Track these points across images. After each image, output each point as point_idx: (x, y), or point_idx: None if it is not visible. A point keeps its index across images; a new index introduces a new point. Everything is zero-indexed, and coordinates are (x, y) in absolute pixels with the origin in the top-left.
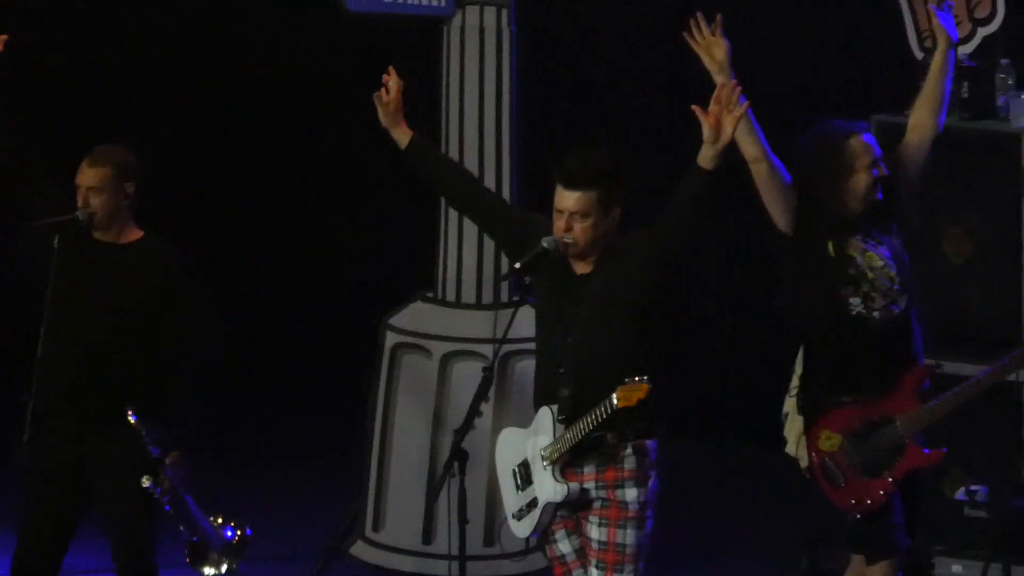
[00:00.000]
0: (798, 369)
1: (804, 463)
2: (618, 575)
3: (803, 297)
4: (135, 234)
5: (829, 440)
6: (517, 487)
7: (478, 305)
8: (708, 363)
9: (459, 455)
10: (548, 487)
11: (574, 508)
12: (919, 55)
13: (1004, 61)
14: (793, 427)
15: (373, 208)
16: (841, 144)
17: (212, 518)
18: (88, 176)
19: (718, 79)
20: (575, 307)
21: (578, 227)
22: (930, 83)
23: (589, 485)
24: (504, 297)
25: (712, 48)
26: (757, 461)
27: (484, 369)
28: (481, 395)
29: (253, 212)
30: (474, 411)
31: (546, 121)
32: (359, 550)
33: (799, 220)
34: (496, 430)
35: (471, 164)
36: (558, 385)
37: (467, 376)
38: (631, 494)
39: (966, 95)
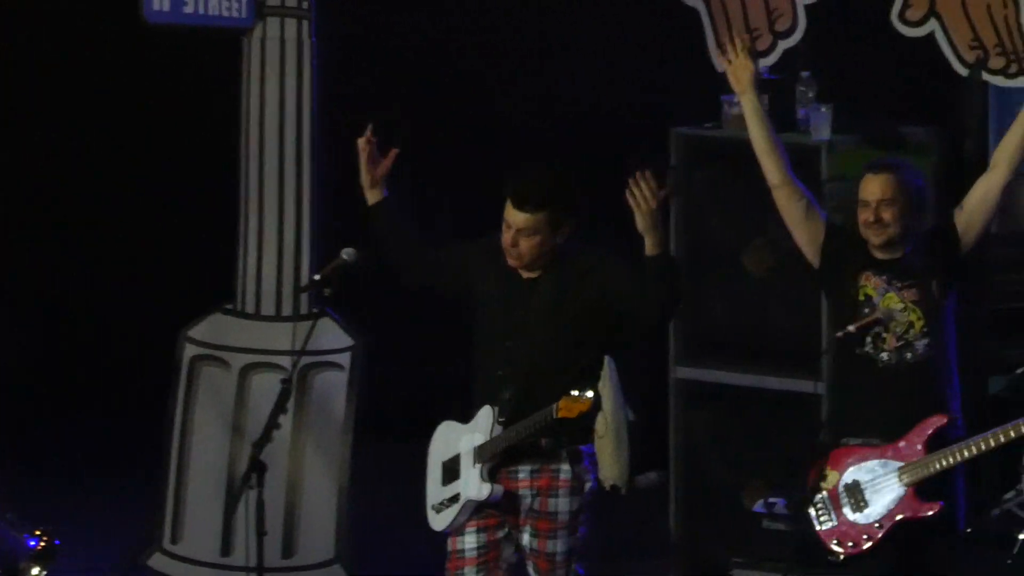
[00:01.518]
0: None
1: (606, 475)
2: None
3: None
4: None
5: (828, 478)
6: (443, 480)
7: (277, 317)
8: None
9: (257, 467)
10: (473, 485)
11: (503, 510)
12: (720, 68)
13: (804, 74)
14: (593, 437)
15: (173, 219)
16: (860, 179)
17: (15, 527)
18: None
19: (742, 99)
20: (520, 310)
21: (524, 244)
22: (1018, 124)
23: (524, 492)
24: (304, 309)
25: (739, 71)
26: None
27: (283, 381)
28: (280, 407)
29: (51, 223)
30: (272, 423)
31: (351, 131)
32: (157, 562)
33: (827, 254)
34: (295, 442)
35: (271, 175)
36: (498, 386)
37: (266, 388)
38: (563, 504)
39: (767, 108)
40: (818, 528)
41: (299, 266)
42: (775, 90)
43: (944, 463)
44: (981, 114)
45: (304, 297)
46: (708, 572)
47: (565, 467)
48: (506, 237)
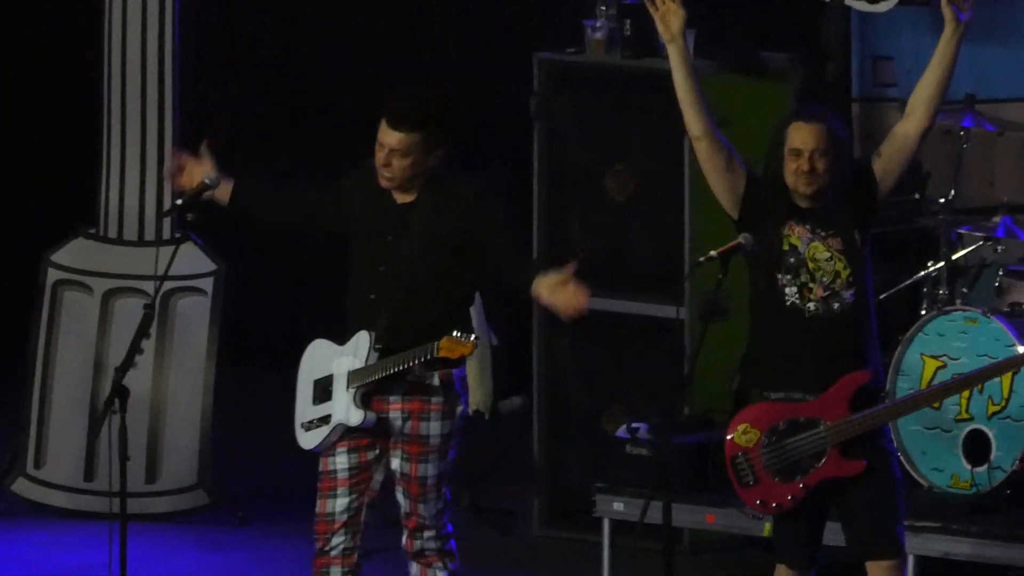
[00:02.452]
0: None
1: (470, 400)
2: (422, 504)
3: (749, 282)
4: None
5: (746, 435)
6: (315, 399)
7: (140, 242)
8: None
9: (120, 392)
10: (345, 410)
11: (374, 432)
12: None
13: None
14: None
15: (34, 144)
16: (782, 128)
17: None
18: None
19: (669, 47)
20: (392, 234)
21: (397, 164)
22: (932, 70)
23: (395, 415)
24: (167, 234)
25: (669, 16)
26: None
27: (145, 306)
28: (142, 332)
29: None
30: (135, 348)
31: (213, 54)
32: (20, 487)
33: (747, 205)
34: (157, 367)
35: (133, 100)
36: (373, 312)
37: (128, 313)
38: (435, 427)
39: (629, 33)
40: (739, 488)
41: (161, 191)
42: (636, 15)
43: (869, 424)
44: (843, 40)
45: (167, 222)
46: (571, 497)
47: (437, 391)
48: (379, 157)
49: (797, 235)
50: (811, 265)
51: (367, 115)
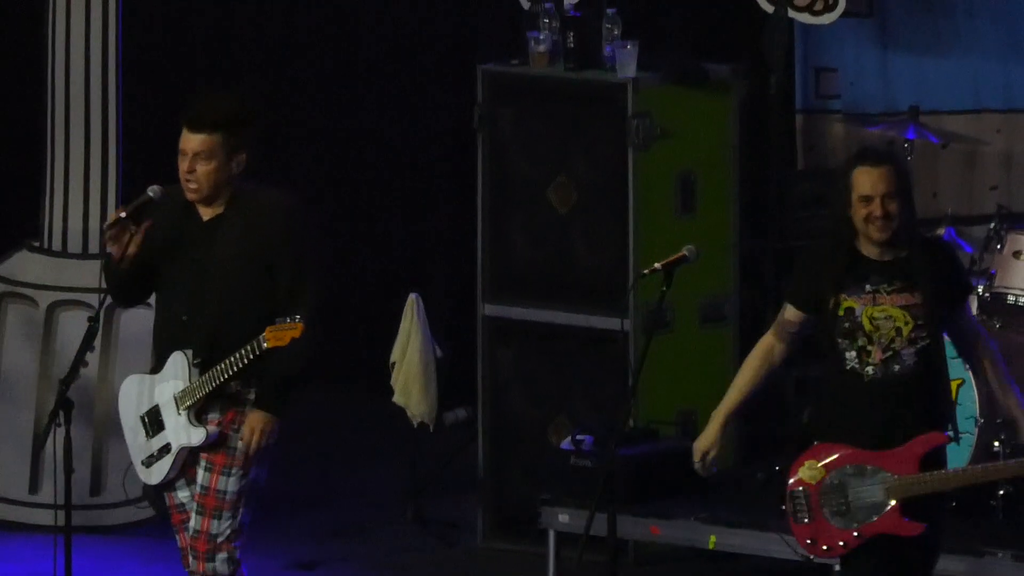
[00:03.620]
0: (406, 317)
1: (414, 412)
2: (216, 521)
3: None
4: None
5: (811, 471)
6: (147, 433)
7: (84, 255)
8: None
9: (64, 404)
10: (184, 432)
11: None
12: (526, 5)
13: (610, 11)
14: (400, 375)
15: None
16: (845, 175)
17: None
18: None
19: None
20: (199, 251)
21: (201, 169)
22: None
23: (213, 429)
24: None
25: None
26: (360, 409)
27: (90, 319)
28: (87, 344)
29: None
30: (79, 360)
31: (156, 64)
32: None
33: (805, 298)
34: (102, 379)
35: (77, 111)
36: (186, 332)
37: (73, 325)
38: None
39: (572, 45)
40: (792, 522)
41: (105, 203)
42: (580, 27)
43: (938, 484)
44: (786, 51)
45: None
46: (515, 509)
47: (251, 405)
48: (182, 166)
49: (853, 298)
50: (868, 327)
51: (322, 128)
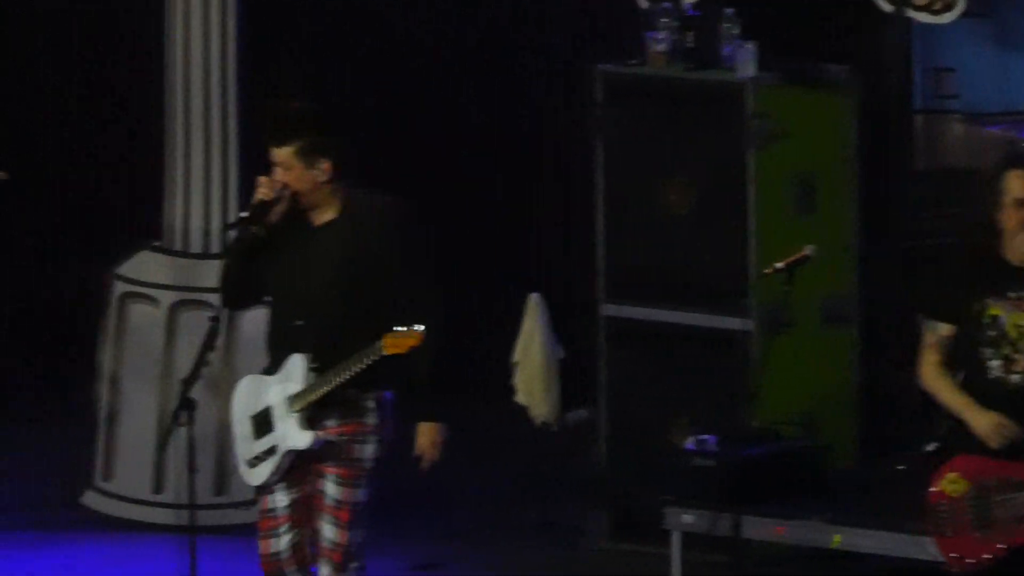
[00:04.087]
0: (527, 318)
1: (536, 412)
2: (351, 531)
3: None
4: None
5: (954, 484)
6: (255, 434)
7: (206, 255)
8: None
9: (187, 404)
10: (293, 435)
11: (307, 460)
12: (644, 5)
13: (728, 11)
14: (522, 375)
15: (100, 160)
16: (995, 180)
17: None
18: None
19: None
20: (312, 257)
21: (285, 178)
22: None
23: (332, 438)
24: None
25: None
26: (483, 410)
27: (211, 318)
28: (208, 344)
29: None
30: (202, 360)
31: (277, 66)
32: (90, 500)
33: (947, 305)
34: (224, 379)
35: (197, 113)
36: (301, 337)
37: (195, 325)
38: (369, 450)
39: (690, 44)
40: (936, 536)
41: (226, 204)
42: (699, 27)
43: None
44: (904, 52)
45: (230, 235)
46: (637, 510)
47: (372, 413)
48: (275, 176)
49: (999, 305)
50: (1013, 335)
51: (437, 129)
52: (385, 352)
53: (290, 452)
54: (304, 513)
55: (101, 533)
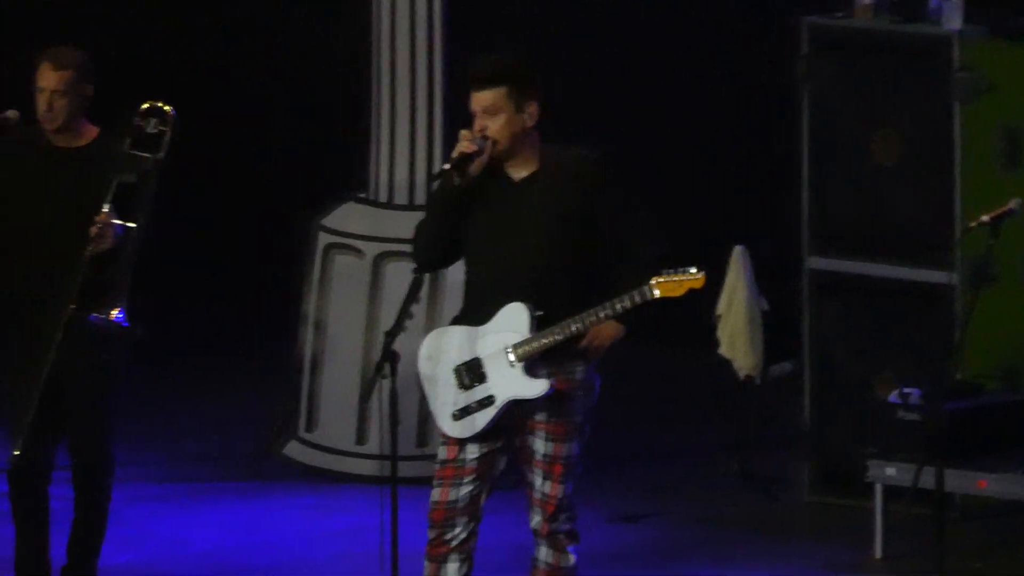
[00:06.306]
0: (731, 271)
1: (740, 365)
2: (562, 485)
3: None
4: (92, 133)
5: None
6: (462, 385)
7: (410, 206)
8: None
9: (390, 356)
10: (519, 384)
11: (514, 414)
12: None
13: None
14: (725, 328)
15: (308, 110)
16: None
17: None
18: (52, 79)
19: None
20: (521, 210)
21: (491, 125)
22: None
23: (552, 385)
24: None
25: None
26: (686, 363)
27: (415, 270)
28: (412, 296)
29: (199, 114)
30: (405, 312)
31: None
32: (292, 450)
33: None
34: (429, 330)
35: (402, 64)
36: (514, 287)
37: (399, 277)
38: (578, 406)
39: None
40: None
41: (431, 155)
42: None
43: None
44: None
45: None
46: (840, 463)
47: (580, 368)
48: (476, 127)
49: None
50: None
51: (647, 85)
52: (658, 294)
53: (511, 402)
54: (489, 467)
55: (303, 484)
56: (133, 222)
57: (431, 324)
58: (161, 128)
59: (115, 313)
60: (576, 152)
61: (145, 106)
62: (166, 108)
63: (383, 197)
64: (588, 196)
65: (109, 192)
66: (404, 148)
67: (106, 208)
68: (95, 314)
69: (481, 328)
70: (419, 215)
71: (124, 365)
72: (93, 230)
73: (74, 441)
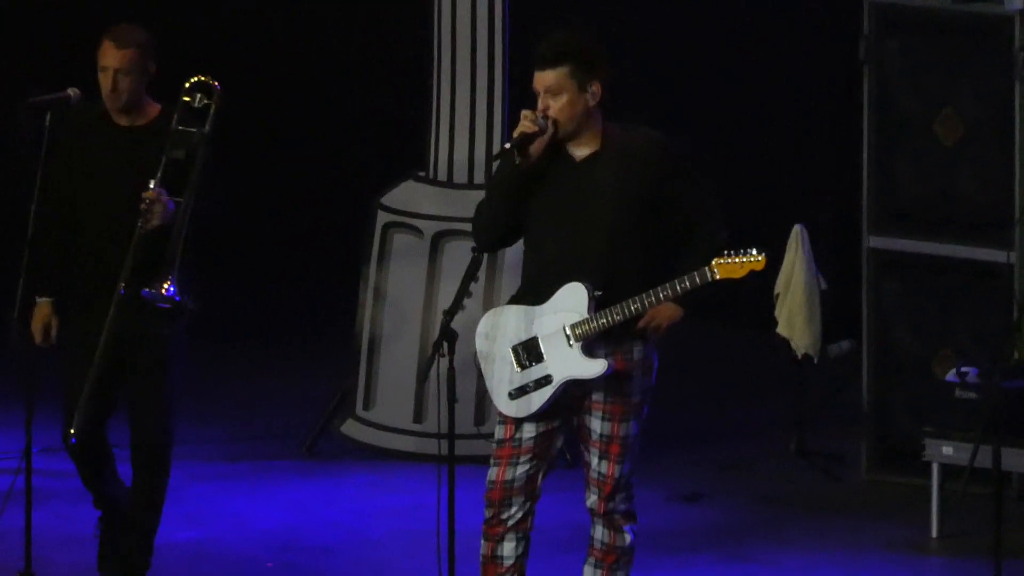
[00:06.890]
0: (790, 249)
1: (798, 343)
2: (619, 465)
3: None
4: (154, 111)
5: None
6: (519, 364)
7: (470, 185)
8: None
9: (448, 335)
10: (577, 364)
11: (572, 393)
12: None
13: None
14: (784, 307)
15: (369, 89)
16: None
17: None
18: (115, 57)
19: None
20: (583, 190)
21: (554, 105)
22: None
23: (612, 364)
24: None
25: None
26: (744, 342)
27: (473, 249)
28: (471, 275)
29: (263, 93)
30: (463, 291)
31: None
32: (349, 428)
33: None
34: (487, 310)
35: (463, 44)
36: (576, 267)
37: (458, 256)
38: (636, 386)
39: None
40: None
41: (491, 134)
42: None
43: None
44: None
45: (495, 165)
46: (899, 441)
47: (638, 348)
48: (540, 107)
49: None
50: None
51: (710, 65)
52: (718, 276)
53: (568, 382)
54: (546, 446)
55: (360, 462)
56: (182, 197)
57: (489, 303)
58: (206, 102)
59: (167, 287)
60: (641, 132)
61: (191, 81)
62: (212, 82)
63: (443, 176)
64: (653, 177)
65: (159, 169)
66: (464, 126)
67: (152, 185)
68: (147, 289)
69: (539, 308)
70: (479, 194)
71: (183, 340)
72: (142, 207)
73: (134, 418)
